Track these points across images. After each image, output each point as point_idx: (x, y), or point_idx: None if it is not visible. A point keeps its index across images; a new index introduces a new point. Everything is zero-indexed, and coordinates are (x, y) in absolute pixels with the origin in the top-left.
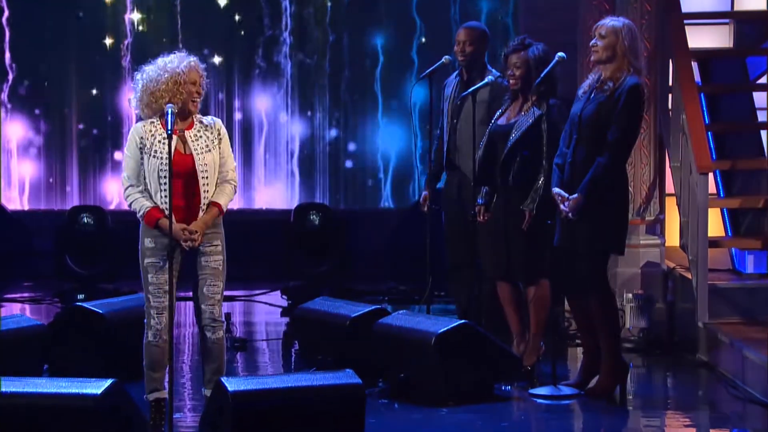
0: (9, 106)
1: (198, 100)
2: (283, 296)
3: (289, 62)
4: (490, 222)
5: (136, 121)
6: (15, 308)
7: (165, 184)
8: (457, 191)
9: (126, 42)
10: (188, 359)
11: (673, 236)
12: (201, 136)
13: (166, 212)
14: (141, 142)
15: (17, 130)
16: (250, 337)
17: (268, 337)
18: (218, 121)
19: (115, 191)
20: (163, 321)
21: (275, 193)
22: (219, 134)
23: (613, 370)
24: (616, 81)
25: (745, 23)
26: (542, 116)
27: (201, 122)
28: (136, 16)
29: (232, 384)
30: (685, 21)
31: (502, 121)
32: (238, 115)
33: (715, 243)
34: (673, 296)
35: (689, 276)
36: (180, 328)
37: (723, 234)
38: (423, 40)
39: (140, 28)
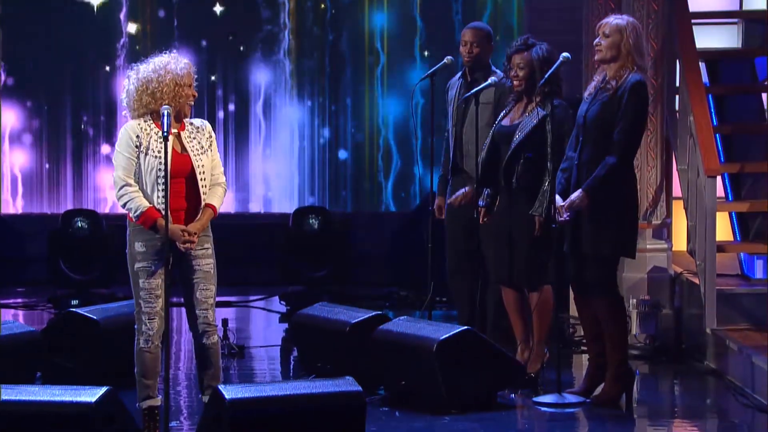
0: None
1: (192, 103)
2: (282, 302)
3: (288, 61)
4: (494, 225)
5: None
6: (8, 314)
7: (163, 184)
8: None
9: (122, 41)
10: (183, 366)
11: (680, 241)
12: (194, 138)
13: (163, 212)
14: (137, 140)
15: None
16: (247, 343)
17: (266, 344)
18: (207, 123)
19: (109, 190)
20: (155, 326)
21: (274, 195)
22: (210, 136)
23: (619, 377)
24: (619, 79)
25: (754, 23)
26: (546, 117)
27: (192, 124)
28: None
29: (229, 391)
30: (693, 21)
31: (505, 122)
32: (230, 109)
33: (723, 248)
34: (680, 302)
35: (697, 281)
36: (173, 333)
37: (731, 238)
38: (425, 39)
39: (137, 46)
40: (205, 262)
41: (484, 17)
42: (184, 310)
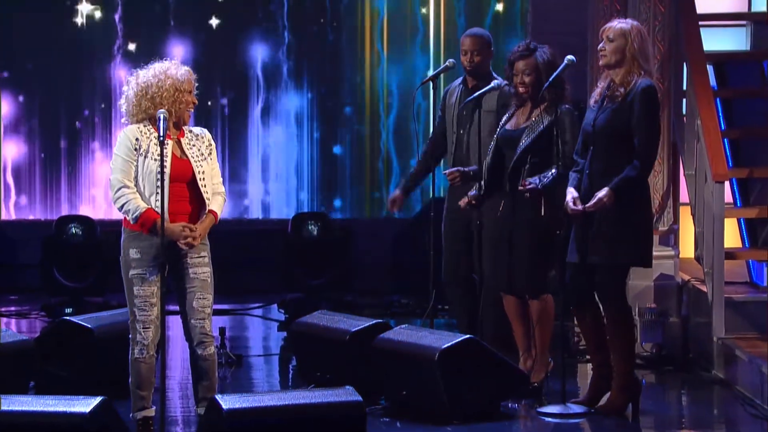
0: None
1: (191, 109)
2: (280, 310)
3: (287, 63)
4: (495, 231)
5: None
6: (0, 322)
7: (161, 189)
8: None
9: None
10: (178, 375)
11: (687, 247)
12: (194, 145)
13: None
14: (137, 144)
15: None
16: (245, 352)
17: (264, 353)
18: (207, 132)
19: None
20: (150, 336)
21: (272, 200)
22: (210, 144)
23: (625, 387)
24: (627, 85)
25: (763, 25)
26: (553, 122)
27: (191, 131)
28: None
29: (226, 402)
30: (700, 23)
31: (509, 126)
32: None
33: (731, 254)
34: (687, 310)
35: (704, 289)
36: (168, 342)
37: (740, 245)
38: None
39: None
40: (202, 270)
41: (487, 19)
42: (178, 317)
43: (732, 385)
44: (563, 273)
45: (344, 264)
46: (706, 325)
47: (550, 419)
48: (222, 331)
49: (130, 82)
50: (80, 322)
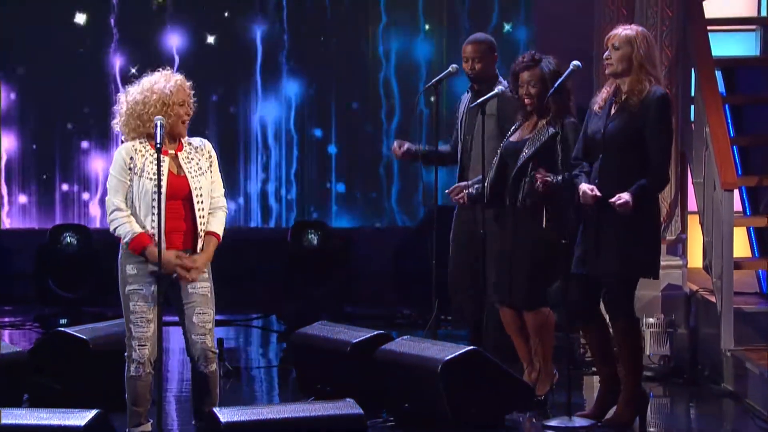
0: None
1: (187, 121)
2: (280, 320)
3: (288, 77)
4: (497, 244)
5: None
6: None
7: (156, 208)
8: (473, 214)
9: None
10: (176, 388)
11: (695, 257)
12: (192, 158)
13: (154, 237)
14: (131, 162)
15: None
16: (244, 364)
17: (264, 364)
18: (207, 143)
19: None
20: (146, 353)
21: (272, 207)
22: (210, 156)
23: (632, 400)
24: (639, 94)
25: None
26: (557, 135)
27: (190, 144)
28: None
29: (224, 414)
30: (709, 27)
31: (514, 138)
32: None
33: (740, 264)
34: (695, 321)
35: (713, 299)
36: (166, 354)
37: (749, 254)
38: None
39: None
40: (201, 285)
41: (490, 25)
42: (176, 329)
43: (742, 399)
44: (568, 284)
45: (345, 273)
46: (715, 336)
47: None
48: (220, 342)
49: (120, 100)
50: (75, 333)
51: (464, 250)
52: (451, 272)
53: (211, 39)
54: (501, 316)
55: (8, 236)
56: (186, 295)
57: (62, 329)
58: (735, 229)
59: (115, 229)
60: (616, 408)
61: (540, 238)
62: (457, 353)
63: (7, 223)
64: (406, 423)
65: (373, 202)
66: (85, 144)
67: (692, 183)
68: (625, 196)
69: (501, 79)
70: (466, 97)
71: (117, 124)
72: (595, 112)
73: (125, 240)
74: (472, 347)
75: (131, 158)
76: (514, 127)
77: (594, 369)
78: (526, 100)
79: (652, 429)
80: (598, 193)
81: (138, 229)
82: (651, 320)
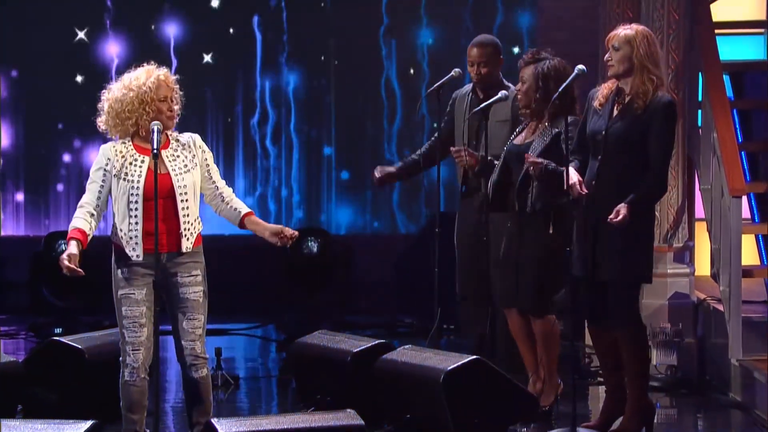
0: None
1: (172, 116)
2: (279, 329)
3: (291, 78)
4: (503, 250)
5: (104, 142)
6: None
7: (136, 209)
8: (477, 215)
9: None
10: (173, 398)
11: (703, 265)
12: (179, 156)
13: (135, 239)
14: (108, 164)
15: None
16: (242, 374)
17: (263, 374)
18: (197, 137)
19: None
20: (140, 358)
21: (271, 212)
22: (203, 151)
23: (639, 411)
24: (644, 97)
25: None
26: (560, 135)
27: (177, 140)
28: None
29: (222, 425)
30: (716, 30)
31: (517, 141)
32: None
33: (749, 272)
34: (703, 330)
35: (721, 308)
36: (164, 363)
37: (758, 262)
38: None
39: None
40: (193, 290)
41: (494, 26)
42: (171, 337)
43: (750, 409)
44: (574, 291)
45: (345, 282)
46: (722, 346)
47: None
48: (218, 351)
49: (102, 99)
50: (70, 342)
51: (470, 254)
52: (459, 279)
53: (207, 57)
54: (509, 321)
55: (2, 244)
56: (177, 300)
57: (57, 338)
58: (743, 236)
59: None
60: (622, 419)
61: (546, 244)
62: (459, 363)
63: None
64: None
65: (374, 198)
66: (77, 143)
67: (699, 189)
68: (622, 211)
69: (507, 83)
70: (466, 98)
71: (101, 123)
72: (596, 109)
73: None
74: (474, 357)
75: (108, 159)
76: (518, 130)
77: (600, 378)
78: (519, 97)
79: None
80: (585, 190)
81: (77, 224)
82: (658, 329)
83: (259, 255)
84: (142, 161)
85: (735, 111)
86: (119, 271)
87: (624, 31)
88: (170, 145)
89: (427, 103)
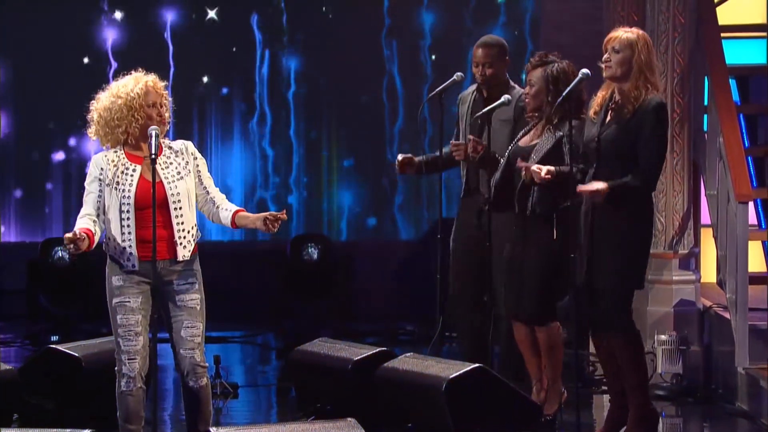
0: None
1: (162, 121)
2: (279, 337)
3: (293, 86)
4: (506, 254)
5: (96, 152)
6: None
7: (128, 219)
8: (477, 219)
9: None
10: (171, 407)
11: (709, 272)
12: (171, 163)
13: (129, 249)
14: (101, 174)
15: None
16: (241, 382)
17: (262, 382)
18: (190, 144)
19: None
20: (136, 367)
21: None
22: (195, 158)
23: (643, 419)
24: (635, 101)
25: None
26: (563, 138)
27: (170, 147)
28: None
29: None
30: (723, 34)
31: (522, 142)
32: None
33: (755, 279)
34: (709, 338)
35: (727, 316)
36: (161, 371)
37: (764, 269)
38: (434, 57)
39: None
40: (190, 297)
41: (496, 29)
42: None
43: (756, 418)
44: (578, 297)
45: (346, 289)
46: (729, 354)
47: None
48: (217, 359)
49: (91, 109)
50: (67, 350)
51: (467, 257)
52: (452, 282)
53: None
54: (514, 331)
55: None
56: (174, 308)
57: (54, 346)
58: (750, 242)
59: None
60: (626, 427)
61: (550, 249)
62: (462, 371)
63: None
64: None
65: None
66: (72, 141)
67: (705, 195)
68: (599, 186)
69: (513, 84)
70: (469, 98)
71: (91, 134)
72: (591, 119)
73: None
74: (477, 365)
75: (101, 169)
76: (523, 131)
77: (604, 387)
78: (526, 100)
79: None
80: (545, 175)
81: (81, 224)
82: (663, 337)
83: (258, 261)
84: (134, 170)
85: (741, 116)
86: (113, 278)
87: (626, 34)
88: (163, 152)
89: (429, 107)
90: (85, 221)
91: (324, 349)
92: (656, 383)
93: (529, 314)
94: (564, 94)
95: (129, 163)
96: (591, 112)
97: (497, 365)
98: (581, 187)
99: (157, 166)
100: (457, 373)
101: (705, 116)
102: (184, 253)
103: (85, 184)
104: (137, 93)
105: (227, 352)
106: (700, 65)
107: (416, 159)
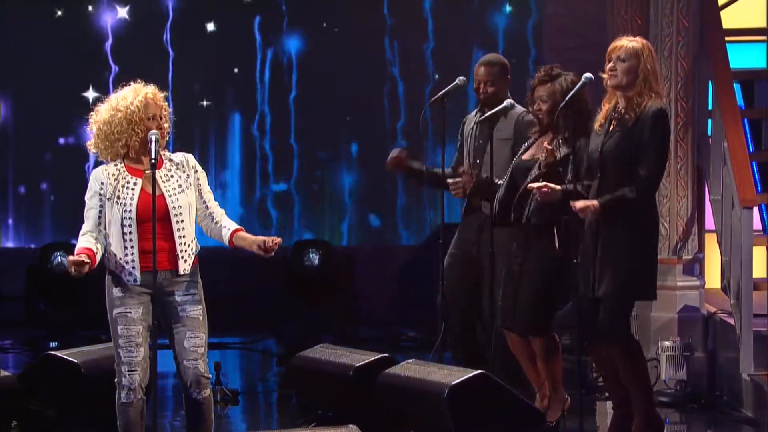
0: None
1: (163, 133)
2: (279, 343)
3: (294, 91)
4: (505, 265)
5: (95, 166)
6: None
7: (130, 233)
8: (476, 235)
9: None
10: (170, 416)
11: (713, 277)
12: (172, 176)
13: (132, 263)
14: (102, 188)
15: None
16: (242, 389)
17: (262, 389)
18: (191, 157)
19: None
20: (137, 379)
21: (274, 219)
22: (195, 171)
23: (647, 426)
24: (637, 108)
25: None
26: (569, 155)
27: (171, 160)
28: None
29: None
30: (727, 38)
31: (526, 156)
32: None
33: (760, 285)
34: (713, 344)
35: (732, 322)
36: (160, 379)
37: None
38: (436, 59)
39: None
40: (192, 308)
41: (498, 35)
42: (167, 351)
43: (761, 425)
44: (581, 304)
45: (347, 294)
46: (733, 360)
47: None
48: (217, 366)
49: (90, 122)
50: (66, 356)
51: (459, 269)
52: (445, 291)
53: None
54: (509, 342)
55: None
56: (176, 318)
57: (53, 353)
58: (754, 248)
59: None
60: None
61: (550, 261)
62: (464, 377)
63: None
64: None
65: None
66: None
67: (709, 200)
68: (591, 203)
69: (513, 102)
70: (472, 119)
71: (91, 147)
72: (596, 131)
73: None
74: (479, 371)
75: (101, 183)
76: (526, 145)
77: (607, 393)
78: (539, 116)
79: None
80: (545, 193)
81: (82, 244)
82: (667, 343)
83: (259, 267)
84: (135, 183)
85: (746, 120)
86: (114, 289)
87: (630, 43)
88: (164, 165)
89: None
90: (86, 239)
91: (325, 355)
92: (660, 390)
93: (523, 325)
94: (566, 99)
95: (130, 176)
96: (596, 125)
97: (500, 371)
98: (573, 203)
99: (158, 180)
100: (460, 380)
101: (709, 121)
102: (185, 266)
103: (86, 198)
104: (137, 106)
105: (228, 359)
106: (704, 69)
107: (416, 164)
